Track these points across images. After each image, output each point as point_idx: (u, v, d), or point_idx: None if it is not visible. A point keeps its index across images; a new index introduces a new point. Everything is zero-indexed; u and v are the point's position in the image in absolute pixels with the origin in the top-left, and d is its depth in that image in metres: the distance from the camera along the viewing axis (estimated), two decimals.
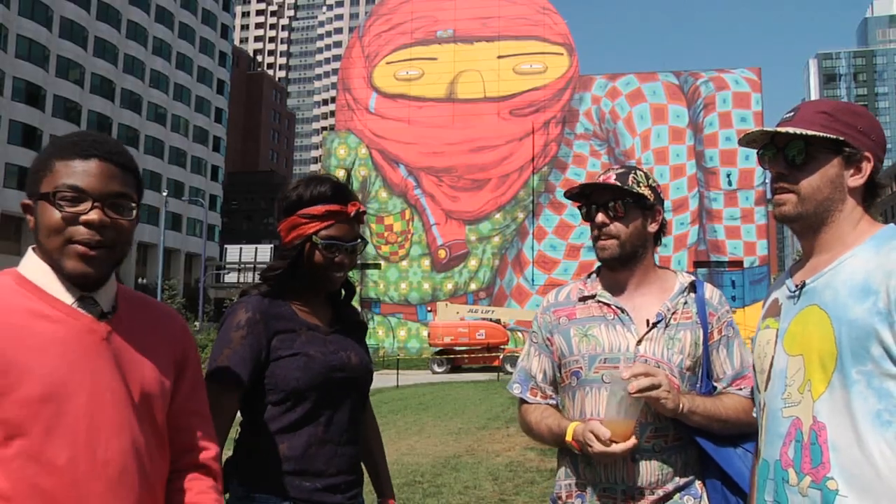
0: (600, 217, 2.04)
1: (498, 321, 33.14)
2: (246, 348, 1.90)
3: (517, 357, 15.60)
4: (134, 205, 1.49)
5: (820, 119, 1.58)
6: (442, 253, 45.68)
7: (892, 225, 1.58)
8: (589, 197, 2.10)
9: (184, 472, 1.60)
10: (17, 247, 52.22)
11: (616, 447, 1.81)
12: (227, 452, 1.92)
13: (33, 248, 1.47)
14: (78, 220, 1.40)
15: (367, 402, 2.18)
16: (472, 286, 44.94)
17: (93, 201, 1.41)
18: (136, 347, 1.51)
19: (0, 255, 50.02)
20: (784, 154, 1.62)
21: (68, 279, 1.43)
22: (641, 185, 2.04)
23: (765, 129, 1.63)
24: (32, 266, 1.45)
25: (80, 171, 1.42)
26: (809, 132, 1.56)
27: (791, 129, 1.58)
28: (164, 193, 51.98)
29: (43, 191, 1.41)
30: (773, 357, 1.63)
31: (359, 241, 2.06)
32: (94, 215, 1.41)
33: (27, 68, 56.98)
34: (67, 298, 1.44)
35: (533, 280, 44.09)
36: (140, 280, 65.21)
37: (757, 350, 1.71)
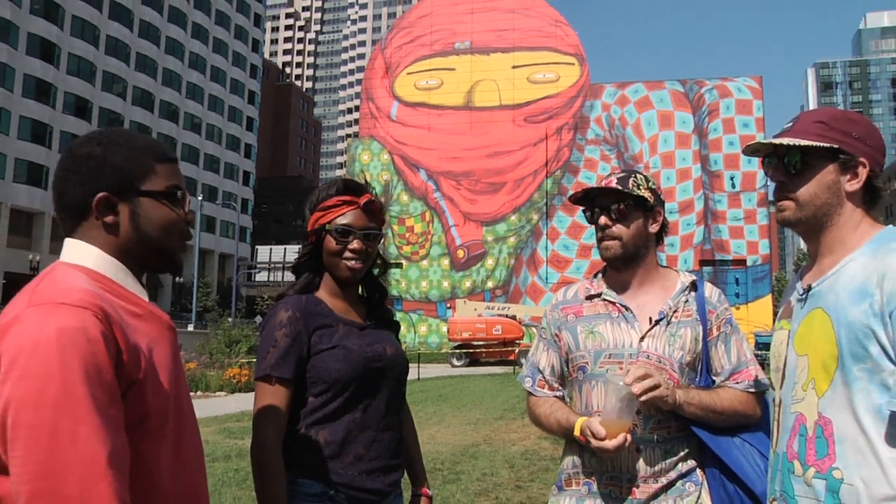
0: (603, 219, 2.03)
1: (513, 317, 33.14)
2: (290, 345, 1.91)
3: None
4: None
5: (815, 128, 1.58)
6: (461, 253, 45.67)
7: (890, 227, 1.57)
8: (593, 200, 2.09)
9: None
10: (27, 241, 52.49)
11: (608, 443, 1.82)
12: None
13: (89, 245, 1.29)
14: (185, 218, 1.41)
15: (404, 394, 2.16)
16: (489, 284, 44.89)
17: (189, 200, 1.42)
18: None
19: (12, 249, 50.35)
20: (783, 163, 1.63)
21: (168, 272, 1.41)
22: (642, 187, 2.03)
23: (764, 140, 1.64)
24: (103, 262, 1.29)
25: (177, 173, 1.40)
26: (803, 142, 1.57)
27: (786, 141, 1.59)
28: (200, 198, 52.37)
29: (148, 188, 1.33)
30: (786, 356, 1.65)
31: (374, 230, 2.04)
32: (190, 213, 1.43)
33: (76, 83, 57.78)
34: (145, 296, 1.34)
35: (547, 278, 43.96)
36: (177, 279, 65.74)
37: (773, 349, 1.72)
